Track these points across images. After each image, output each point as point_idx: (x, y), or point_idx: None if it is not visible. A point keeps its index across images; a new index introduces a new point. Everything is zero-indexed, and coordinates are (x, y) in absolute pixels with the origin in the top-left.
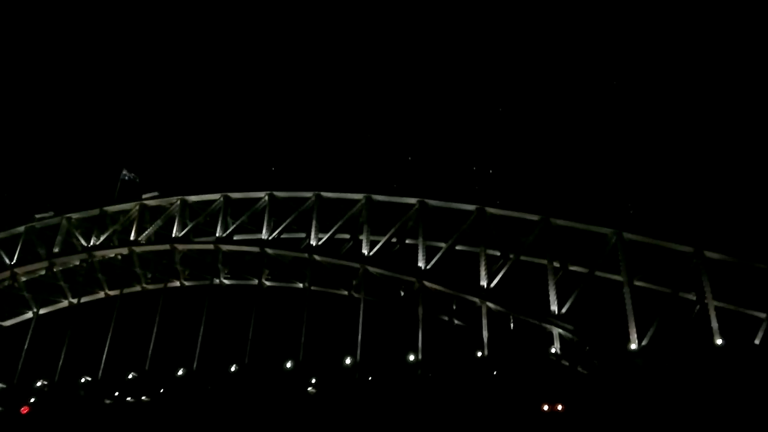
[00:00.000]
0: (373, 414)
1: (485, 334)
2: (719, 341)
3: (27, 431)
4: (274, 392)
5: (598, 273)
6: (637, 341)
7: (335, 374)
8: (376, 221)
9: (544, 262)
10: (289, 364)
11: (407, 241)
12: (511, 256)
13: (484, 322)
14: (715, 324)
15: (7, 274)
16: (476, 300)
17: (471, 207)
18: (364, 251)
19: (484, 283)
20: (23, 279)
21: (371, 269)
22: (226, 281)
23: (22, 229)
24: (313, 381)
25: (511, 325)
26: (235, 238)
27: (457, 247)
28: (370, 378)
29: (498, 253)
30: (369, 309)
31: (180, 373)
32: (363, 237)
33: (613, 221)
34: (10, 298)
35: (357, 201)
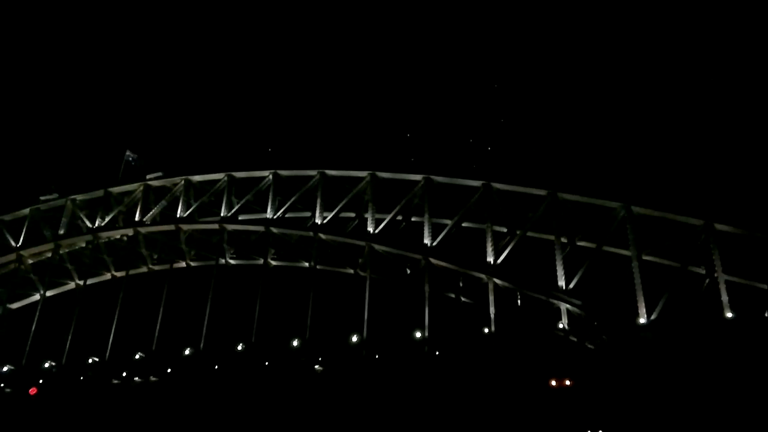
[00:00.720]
0: (380, 391)
1: (492, 310)
2: (729, 314)
3: (36, 412)
4: (281, 371)
5: (606, 248)
6: (645, 315)
7: (342, 352)
8: (382, 199)
9: (552, 237)
10: (295, 343)
11: (413, 219)
12: (518, 231)
13: (491, 298)
14: (725, 297)
15: (13, 256)
16: (483, 276)
17: (477, 183)
18: (370, 229)
19: (490, 259)
20: (30, 261)
21: (377, 247)
22: (231, 261)
23: (27, 211)
24: (320, 359)
25: (518, 301)
26: (240, 217)
27: (464, 224)
28: (376, 356)
29: (504, 230)
30: (375, 287)
31: (187, 352)
32: (368, 215)
33: (621, 195)
34: (17, 280)
35: (362, 178)
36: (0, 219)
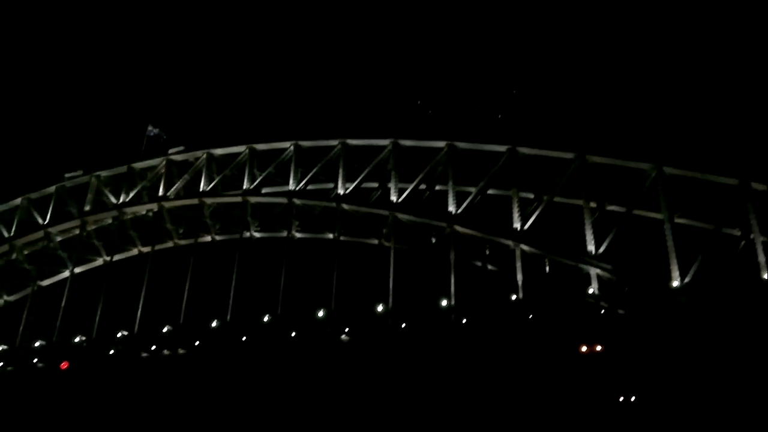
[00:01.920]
0: (406, 361)
1: (520, 277)
2: (766, 276)
3: (67, 386)
4: (308, 341)
5: (636, 211)
6: (679, 279)
7: (367, 322)
8: (405, 167)
9: (580, 202)
10: (321, 314)
11: (437, 187)
12: (545, 197)
13: (519, 264)
14: (762, 258)
15: (41, 234)
16: (510, 243)
17: (502, 148)
18: (393, 198)
19: (517, 225)
20: (57, 239)
21: (400, 216)
22: (256, 234)
23: (53, 189)
24: (346, 329)
25: (546, 267)
26: (263, 190)
27: (489, 191)
28: (402, 325)
29: (531, 195)
30: (400, 256)
31: (214, 325)
32: (391, 184)
33: (652, 156)
34: (46, 257)
35: (384, 147)
36: (27, 197)
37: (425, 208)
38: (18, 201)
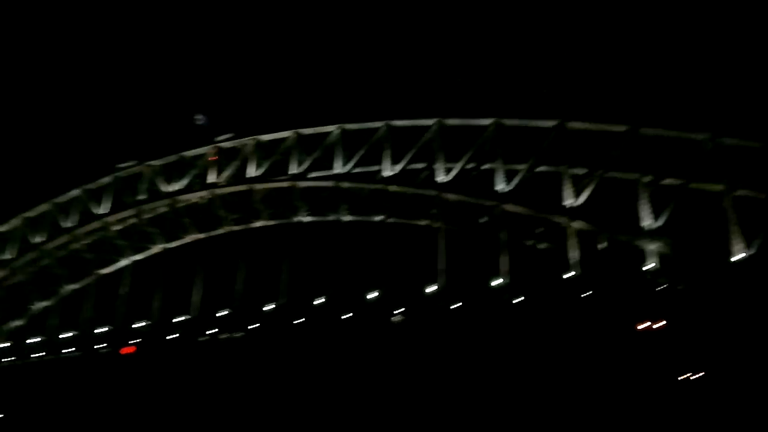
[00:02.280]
0: (459, 340)
1: (573, 254)
2: None
3: (129, 370)
4: (359, 322)
5: (693, 185)
6: (740, 251)
7: (419, 303)
8: (451, 147)
9: (635, 176)
10: (372, 295)
11: (485, 166)
12: (598, 172)
13: (572, 242)
14: None
15: (99, 224)
16: (562, 220)
17: (550, 123)
18: (440, 178)
19: (569, 202)
20: (114, 228)
21: (448, 196)
22: (305, 219)
23: (108, 179)
24: (398, 310)
25: (601, 244)
26: (310, 174)
27: (538, 168)
28: (455, 305)
29: (581, 171)
30: (450, 237)
31: (268, 308)
32: (438, 164)
33: (708, 126)
34: (106, 246)
35: (429, 127)
36: (84, 188)
37: (473, 187)
38: (76, 192)
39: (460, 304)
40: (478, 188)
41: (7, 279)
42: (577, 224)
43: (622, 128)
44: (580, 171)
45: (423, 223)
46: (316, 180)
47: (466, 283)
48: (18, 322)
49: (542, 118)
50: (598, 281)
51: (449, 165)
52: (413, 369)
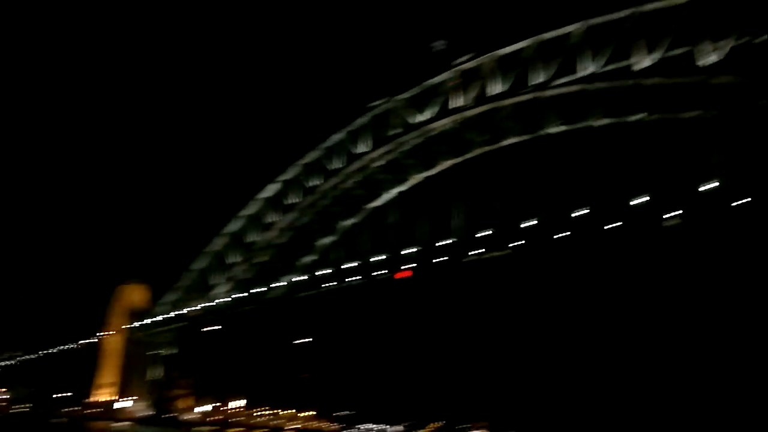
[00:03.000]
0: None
1: None
2: None
3: (403, 293)
4: (626, 231)
5: None
6: None
7: (697, 203)
8: (711, 25)
9: None
10: (641, 200)
11: (757, 39)
12: None
13: None
14: None
15: (362, 162)
16: None
17: None
18: (704, 61)
19: None
20: (377, 164)
21: (720, 79)
22: (556, 129)
23: (364, 119)
24: (674, 213)
25: None
26: (556, 82)
27: None
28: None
29: None
30: (722, 127)
31: (527, 225)
32: (701, 46)
33: None
34: (371, 182)
35: (682, 6)
36: (345, 131)
37: (746, 67)
38: (338, 136)
39: (745, 200)
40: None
41: (296, 221)
42: None
43: None
44: None
45: (691, 115)
46: (561, 86)
47: (747, 178)
48: (309, 258)
49: None
50: None
51: (716, 45)
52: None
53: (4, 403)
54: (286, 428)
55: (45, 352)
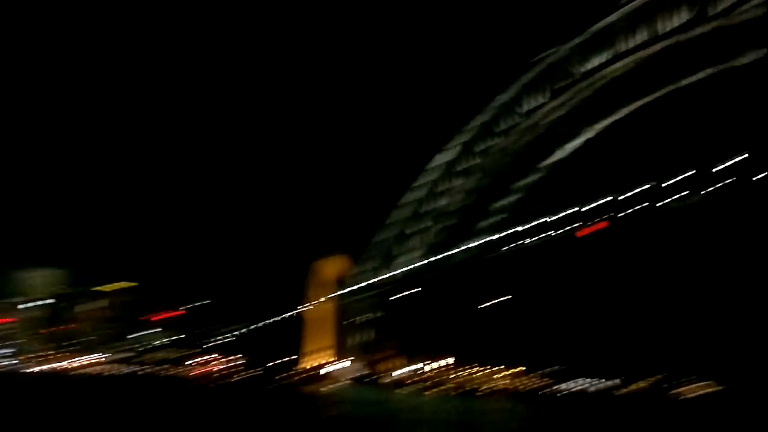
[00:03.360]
0: None
1: None
2: None
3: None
4: None
5: None
6: None
7: None
8: None
9: None
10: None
11: None
12: None
13: None
14: None
15: (533, 118)
16: None
17: None
18: None
19: None
20: (550, 117)
21: None
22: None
23: (533, 74)
24: None
25: None
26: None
27: None
28: None
29: None
30: None
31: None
32: None
33: None
34: (548, 133)
35: None
36: (521, 85)
37: None
38: (512, 91)
39: None
40: None
41: (479, 181)
42: None
43: None
44: None
45: None
46: (749, 11)
47: None
48: (496, 218)
49: None
50: None
51: None
52: None
53: (233, 370)
54: (493, 385)
55: (258, 324)
